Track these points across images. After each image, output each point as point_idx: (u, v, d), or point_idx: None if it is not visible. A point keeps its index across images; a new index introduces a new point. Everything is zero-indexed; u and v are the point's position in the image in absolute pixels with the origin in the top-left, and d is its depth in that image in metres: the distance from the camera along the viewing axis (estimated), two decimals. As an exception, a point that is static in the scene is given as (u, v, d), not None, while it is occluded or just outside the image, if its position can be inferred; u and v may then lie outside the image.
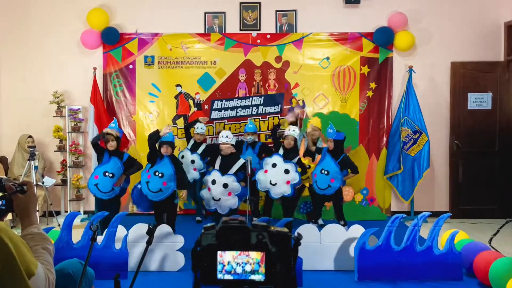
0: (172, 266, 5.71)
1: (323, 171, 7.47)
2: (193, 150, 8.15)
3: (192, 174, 7.90)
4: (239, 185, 6.73)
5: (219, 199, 6.66)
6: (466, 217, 8.63)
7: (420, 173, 8.59)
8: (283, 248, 2.13)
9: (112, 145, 6.88)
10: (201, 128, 8.21)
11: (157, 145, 6.96)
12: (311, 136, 8.10)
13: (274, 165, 7.31)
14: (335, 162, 7.46)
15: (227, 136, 6.86)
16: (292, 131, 7.61)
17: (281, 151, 7.57)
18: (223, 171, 6.76)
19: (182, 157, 8.03)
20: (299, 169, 7.53)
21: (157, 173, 6.69)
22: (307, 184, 7.98)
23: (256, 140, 8.33)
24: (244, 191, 6.91)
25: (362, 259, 5.37)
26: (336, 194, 7.55)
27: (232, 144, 6.96)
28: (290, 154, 7.52)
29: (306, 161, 7.94)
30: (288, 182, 7.32)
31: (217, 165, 6.87)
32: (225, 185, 6.64)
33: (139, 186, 6.92)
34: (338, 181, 7.43)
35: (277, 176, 7.29)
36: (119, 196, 7.04)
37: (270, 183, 7.34)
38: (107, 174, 6.77)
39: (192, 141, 8.29)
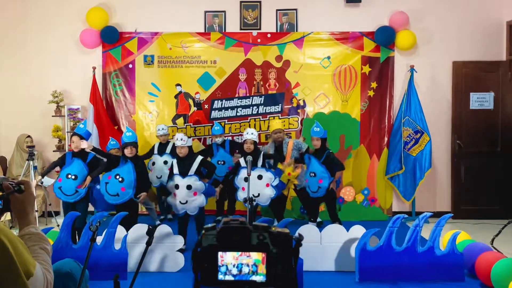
0: (172, 266, 5.69)
1: (311, 174, 7.45)
2: (161, 152, 8.16)
3: (166, 176, 7.77)
4: (202, 183, 6.63)
5: (186, 201, 6.61)
6: (468, 218, 8.60)
7: (422, 173, 8.56)
8: (284, 249, 2.12)
9: (77, 147, 6.69)
10: (163, 129, 8.23)
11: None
12: (275, 139, 7.88)
13: (246, 180, 7.18)
14: (319, 162, 7.40)
15: (181, 139, 6.77)
16: (250, 135, 7.48)
17: (242, 162, 7.32)
18: (183, 173, 6.69)
19: (153, 163, 8.04)
20: (272, 164, 7.47)
21: (117, 177, 6.59)
22: (291, 186, 7.87)
23: (225, 138, 8.33)
24: (210, 188, 6.83)
25: (363, 259, 5.34)
26: (327, 194, 7.46)
27: (187, 146, 6.82)
28: (253, 158, 7.31)
29: (280, 166, 7.77)
30: (267, 185, 7.21)
31: (175, 169, 6.75)
32: (189, 187, 6.55)
33: (98, 186, 6.78)
34: (326, 180, 7.36)
35: (255, 187, 7.09)
36: (86, 198, 6.78)
37: (254, 196, 7.22)
38: (69, 176, 6.57)
39: (157, 144, 8.29)
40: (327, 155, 7.45)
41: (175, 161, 6.81)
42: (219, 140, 8.14)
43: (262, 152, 7.45)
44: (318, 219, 7.83)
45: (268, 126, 8.72)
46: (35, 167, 7.96)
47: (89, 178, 6.65)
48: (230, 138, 8.73)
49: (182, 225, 6.72)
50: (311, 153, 7.63)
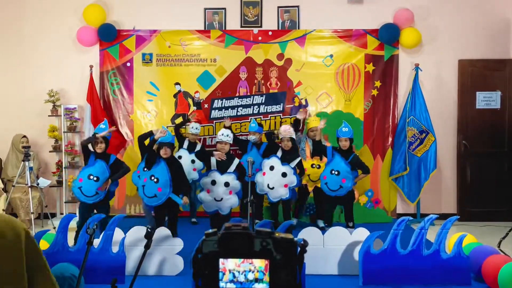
0: (171, 270, 5.66)
1: (333, 172, 7.23)
2: (190, 150, 8.05)
3: (192, 175, 7.80)
4: (239, 183, 6.72)
5: (221, 199, 6.56)
6: (474, 220, 8.55)
7: (427, 174, 8.50)
8: (288, 255, 2.08)
9: (101, 147, 6.69)
10: (196, 128, 8.14)
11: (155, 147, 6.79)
12: (312, 137, 7.93)
13: (271, 168, 7.19)
14: (346, 161, 7.24)
15: (227, 135, 6.72)
16: (284, 132, 7.45)
17: (279, 153, 7.41)
18: (221, 170, 6.62)
19: (180, 157, 7.88)
20: (298, 171, 7.39)
21: (152, 178, 6.55)
22: (319, 185, 7.68)
23: (259, 140, 8.15)
24: (241, 191, 6.85)
25: (367, 263, 5.31)
26: (348, 195, 7.32)
27: (230, 143, 6.92)
28: (288, 156, 7.35)
29: (315, 161, 7.74)
30: (286, 185, 7.21)
31: (213, 165, 6.71)
32: (227, 184, 6.62)
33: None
34: (350, 181, 7.21)
35: (274, 180, 7.17)
36: (106, 200, 6.81)
37: (268, 186, 7.17)
38: (91, 177, 6.56)
39: (186, 141, 8.16)
40: (354, 157, 7.35)
41: (214, 158, 6.83)
42: (252, 138, 7.95)
43: (300, 158, 7.40)
44: (322, 224, 7.68)
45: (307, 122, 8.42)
46: (30, 168, 7.88)
47: (109, 181, 6.66)
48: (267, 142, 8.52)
49: (216, 223, 6.71)
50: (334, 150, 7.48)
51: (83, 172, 6.66)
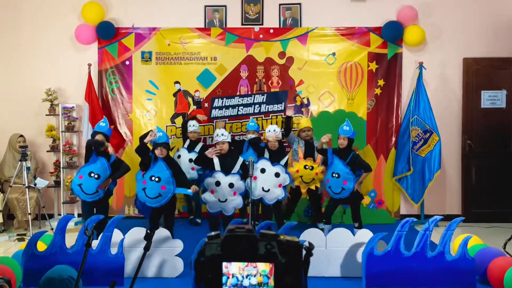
0: (170, 272, 5.62)
1: (334, 175, 7.19)
2: (190, 149, 8.02)
3: (191, 174, 7.75)
4: (243, 184, 6.70)
5: (226, 200, 6.60)
6: (480, 221, 8.50)
7: (431, 174, 8.43)
8: (293, 259, 2.05)
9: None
10: (194, 125, 8.08)
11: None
12: (304, 137, 7.88)
13: (263, 171, 7.11)
14: (344, 163, 7.17)
15: (222, 134, 6.68)
16: (273, 132, 7.39)
17: (266, 154, 7.37)
18: (225, 170, 6.62)
19: (179, 156, 7.90)
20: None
21: (153, 178, 6.46)
22: (312, 187, 7.69)
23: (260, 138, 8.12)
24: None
25: (370, 265, 5.26)
26: (352, 196, 7.24)
27: (228, 142, 6.86)
28: (276, 156, 7.31)
29: (308, 162, 7.64)
30: (280, 185, 7.14)
31: (217, 166, 6.70)
32: (231, 185, 6.60)
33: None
34: (351, 182, 7.13)
35: (268, 182, 7.08)
36: (105, 198, 6.75)
37: (263, 189, 7.08)
38: (92, 174, 6.48)
39: (188, 141, 8.14)
40: (353, 156, 7.24)
41: (216, 158, 6.78)
42: (251, 136, 7.89)
43: (288, 157, 7.41)
44: (322, 226, 7.57)
45: (297, 123, 8.48)
46: (28, 168, 7.88)
47: (109, 180, 6.59)
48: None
49: (215, 225, 6.72)
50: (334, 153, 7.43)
51: (84, 169, 6.58)
